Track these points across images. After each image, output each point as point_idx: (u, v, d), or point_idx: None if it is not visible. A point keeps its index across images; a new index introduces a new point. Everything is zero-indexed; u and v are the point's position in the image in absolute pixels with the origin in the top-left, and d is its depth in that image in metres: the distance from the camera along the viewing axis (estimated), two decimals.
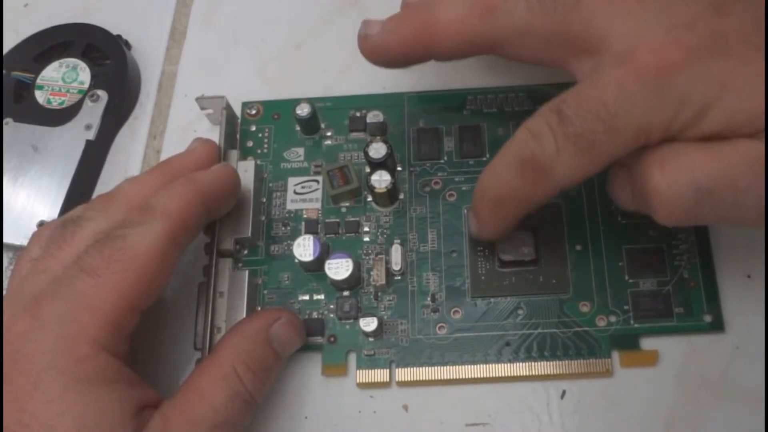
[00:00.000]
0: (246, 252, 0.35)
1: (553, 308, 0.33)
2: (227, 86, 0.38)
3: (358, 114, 0.37)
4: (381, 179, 0.34)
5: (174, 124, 0.40)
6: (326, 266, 0.32)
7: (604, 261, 0.33)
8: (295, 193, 0.36)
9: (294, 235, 0.34)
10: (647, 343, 0.32)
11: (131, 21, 0.43)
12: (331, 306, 0.33)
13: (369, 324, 0.32)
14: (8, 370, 0.26)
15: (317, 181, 0.36)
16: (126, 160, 0.39)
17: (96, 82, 0.40)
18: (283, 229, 0.35)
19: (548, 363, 0.32)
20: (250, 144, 0.37)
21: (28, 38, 0.42)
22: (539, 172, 0.28)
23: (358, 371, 0.32)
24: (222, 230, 0.34)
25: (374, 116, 0.36)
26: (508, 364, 0.32)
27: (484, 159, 0.36)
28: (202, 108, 0.37)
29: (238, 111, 0.38)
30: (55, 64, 0.41)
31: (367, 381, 0.32)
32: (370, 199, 0.35)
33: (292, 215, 0.35)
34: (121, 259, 0.28)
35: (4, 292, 0.30)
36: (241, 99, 0.38)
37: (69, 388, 0.26)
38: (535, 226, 0.33)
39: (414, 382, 0.32)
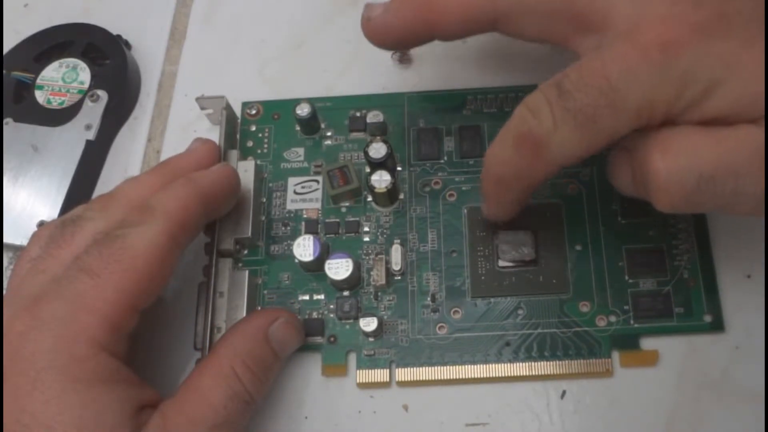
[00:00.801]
0: (246, 252, 0.36)
1: (553, 308, 0.34)
2: (227, 86, 0.39)
3: (358, 114, 0.38)
4: (381, 179, 0.35)
5: (174, 124, 0.41)
6: (326, 266, 0.34)
7: (604, 261, 0.34)
8: (295, 193, 0.37)
9: (294, 235, 0.36)
10: (647, 343, 0.33)
11: (131, 21, 0.44)
12: (331, 306, 0.34)
13: (369, 324, 0.33)
14: (7, 370, 0.27)
15: (317, 181, 0.37)
16: (126, 160, 0.40)
17: (96, 82, 0.41)
18: (283, 229, 0.36)
19: (548, 363, 0.33)
20: (250, 144, 0.38)
21: (28, 38, 0.43)
22: (536, 147, 0.28)
23: (358, 371, 0.33)
24: (222, 230, 0.35)
25: (374, 116, 0.37)
26: (508, 364, 0.33)
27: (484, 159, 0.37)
28: (202, 108, 0.38)
29: (238, 111, 0.39)
30: (55, 64, 0.42)
31: (367, 381, 0.33)
32: (370, 199, 0.36)
33: (292, 215, 0.36)
34: (120, 259, 0.28)
35: (4, 292, 0.31)
36: (241, 99, 0.39)
37: (68, 387, 0.27)
38: (535, 226, 0.34)
39: (414, 382, 0.33)
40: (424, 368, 0.33)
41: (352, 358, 0.34)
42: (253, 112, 0.39)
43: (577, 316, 0.33)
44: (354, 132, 0.38)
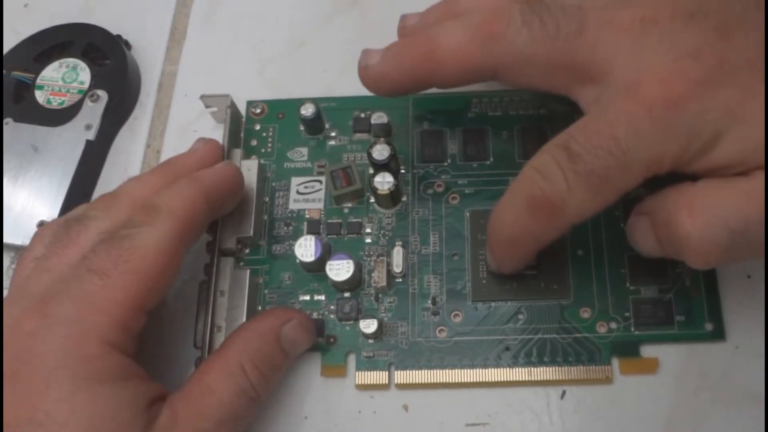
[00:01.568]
0: (248, 251, 0.37)
1: (554, 314, 0.35)
2: (227, 86, 0.40)
3: (362, 115, 0.40)
4: (384, 181, 0.36)
5: (174, 124, 0.43)
6: (327, 267, 0.35)
7: (606, 267, 0.36)
8: (298, 193, 0.38)
9: (296, 235, 0.37)
10: (647, 351, 0.34)
11: (131, 21, 0.46)
12: (332, 307, 0.36)
13: (369, 326, 0.34)
14: (18, 370, 0.28)
15: (320, 182, 0.38)
16: (126, 160, 0.42)
17: (96, 82, 0.43)
18: (285, 228, 0.38)
19: (548, 368, 0.34)
20: (253, 143, 0.40)
21: (28, 38, 0.44)
22: (551, 210, 0.29)
23: (357, 373, 0.35)
24: (224, 229, 0.36)
25: (378, 117, 0.38)
26: (508, 369, 0.34)
27: (488, 162, 0.38)
28: (207, 106, 0.40)
29: (240, 111, 0.40)
30: (55, 64, 0.43)
31: (366, 383, 0.35)
32: (372, 200, 0.37)
33: (294, 215, 0.38)
34: (129, 260, 0.30)
35: (5, 292, 0.32)
36: (241, 99, 0.41)
37: (81, 386, 0.28)
38: None
39: (413, 385, 0.34)
40: (423, 371, 0.35)
41: (352, 360, 0.35)
42: (258, 111, 0.41)
43: (577, 322, 0.35)
44: (358, 133, 0.40)
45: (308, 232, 0.37)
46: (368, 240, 0.37)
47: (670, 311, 0.35)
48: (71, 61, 0.44)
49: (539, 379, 0.34)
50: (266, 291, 0.37)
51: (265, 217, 0.38)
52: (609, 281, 0.35)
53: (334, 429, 0.35)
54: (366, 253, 0.37)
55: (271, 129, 0.40)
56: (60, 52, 0.44)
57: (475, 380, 0.34)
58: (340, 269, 0.35)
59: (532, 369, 0.34)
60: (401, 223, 0.37)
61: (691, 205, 0.28)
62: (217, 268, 0.35)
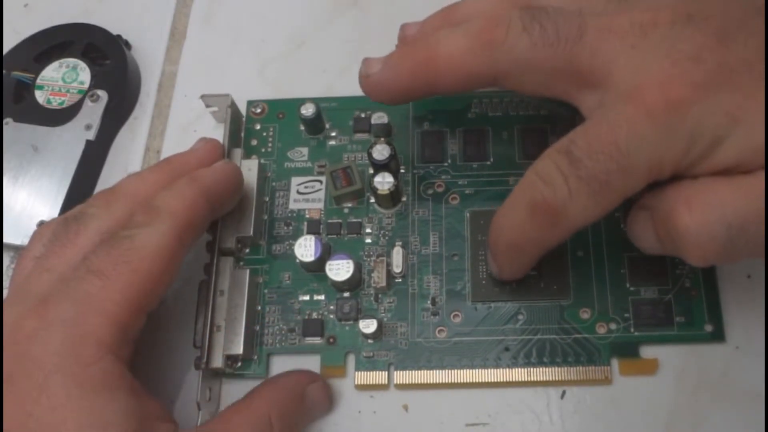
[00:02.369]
0: (247, 251, 0.38)
1: (554, 314, 0.36)
2: (227, 86, 0.41)
3: (362, 115, 0.40)
4: (384, 181, 0.37)
5: (174, 124, 0.43)
6: (327, 267, 0.36)
7: (606, 268, 0.36)
8: (298, 192, 0.39)
9: (296, 235, 0.38)
10: (647, 352, 0.35)
11: (131, 21, 0.46)
12: (331, 307, 0.37)
13: (368, 326, 0.35)
14: (14, 372, 0.28)
15: (320, 182, 0.39)
16: (126, 160, 0.43)
17: (96, 82, 0.43)
18: (285, 228, 0.38)
19: (547, 369, 0.35)
20: (254, 143, 0.40)
21: (28, 38, 0.45)
22: (553, 216, 0.29)
23: (356, 373, 0.35)
24: (224, 228, 0.37)
25: (379, 117, 0.39)
26: (507, 369, 0.35)
27: (488, 163, 0.39)
28: (207, 106, 0.40)
29: (241, 110, 0.41)
30: (55, 64, 0.44)
31: (365, 383, 0.35)
32: (372, 200, 0.38)
33: (294, 215, 0.39)
34: (129, 260, 0.30)
35: (5, 292, 0.33)
36: (241, 99, 0.41)
37: (73, 394, 0.28)
38: None
39: (412, 386, 0.35)
40: (422, 371, 0.35)
41: (351, 360, 0.36)
42: (258, 110, 0.41)
43: (577, 322, 0.35)
44: (358, 133, 0.40)
45: (308, 232, 0.38)
46: (368, 240, 0.38)
47: (670, 312, 0.35)
48: (71, 61, 0.44)
49: (538, 379, 0.35)
50: (266, 291, 0.37)
51: (265, 217, 0.39)
52: (609, 282, 0.36)
53: (334, 429, 0.35)
54: (366, 253, 0.38)
55: (271, 129, 0.41)
56: (60, 52, 0.45)
57: (474, 381, 0.35)
58: (339, 269, 0.36)
59: (532, 369, 0.35)
60: (401, 223, 0.38)
61: (690, 200, 0.28)
62: (217, 267, 0.36)
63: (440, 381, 0.35)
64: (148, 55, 0.46)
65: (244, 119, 0.41)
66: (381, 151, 0.37)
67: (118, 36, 0.45)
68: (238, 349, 0.35)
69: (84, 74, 0.44)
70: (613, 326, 0.35)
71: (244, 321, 0.35)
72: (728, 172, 0.28)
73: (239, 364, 0.36)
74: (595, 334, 0.35)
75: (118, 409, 0.28)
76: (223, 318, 0.35)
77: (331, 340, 0.36)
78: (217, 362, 0.35)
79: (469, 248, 0.37)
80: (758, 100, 0.27)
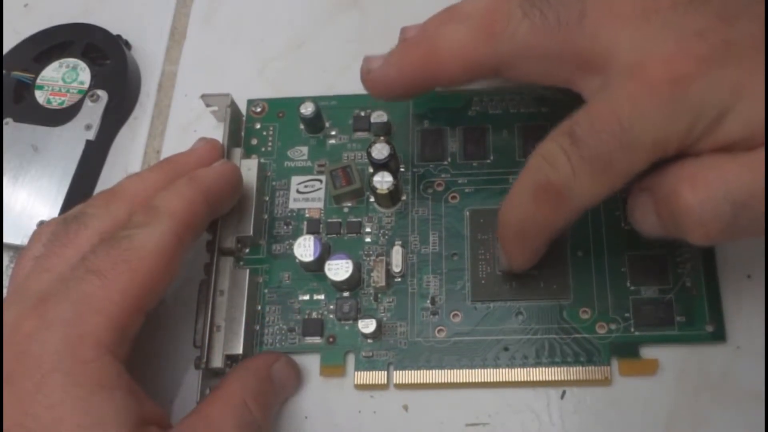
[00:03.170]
0: (247, 250, 0.38)
1: (553, 314, 0.36)
2: (227, 86, 0.41)
3: (362, 113, 0.41)
4: (383, 180, 0.37)
5: (174, 124, 0.44)
6: (326, 267, 0.36)
7: (606, 267, 0.36)
8: (298, 192, 0.39)
9: (296, 235, 0.38)
10: (647, 352, 0.35)
11: (131, 21, 0.47)
12: (331, 306, 0.37)
13: (368, 325, 0.35)
14: (13, 371, 0.29)
15: (320, 181, 0.39)
16: (126, 160, 0.43)
17: (96, 82, 0.44)
18: (285, 228, 0.39)
19: (547, 369, 0.35)
20: (254, 142, 0.41)
21: (28, 38, 0.46)
22: (557, 197, 0.29)
23: (356, 373, 0.36)
24: (224, 228, 0.37)
25: (378, 116, 0.39)
26: (507, 369, 0.35)
27: (488, 161, 0.39)
28: (207, 105, 0.41)
29: (240, 110, 0.41)
30: (55, 64, 0.45)
31: (365, 383, 0.36)
32: (372, 199, 0.38)
33: (294, 214, 0.39)
34: (128, 260, 0.30)
35: (5, 292, 0.33)
36: (241, 99, 0.41)
37: (70, 393, 0.28)
38: None
39: (412, 385, 0.35)
40: (422, 371, 0.35)
41: (351, 360, 0.36)
42: (258, 109, 0.42)
43: (577, 322, 0.35)
44: (358, 132, 0.41)
45: (308, 232, 0.38)
46: (368, 239, 0.38)
47: (671, 312, 0.35)
48: (71, 61, 0.45)
49: (538, 379, 0.35)
50: (266, 290, 0.38)
51: (265, 217, 0.39)
52: (609, 281, 0.36)
53: (334, 429, 0.36)
54: (365, 252, 0.38)
55: (271, 128, 0.41)
56: (60, 52, 0.45)
57: (474, 381, 0.35)
58: (338, 269, 0.36)
59: (531, 370, 0.35)
60: (401, 222, 0.38)
61: (693, 177, 0.28)
62: (217, 267, 0.36)
63: (440, 381, 0.35)
64: (148, 55, 0.46)
65: (244, 118, 0.42)
66: (380, 150, 0.37)
67: (118, 36, 0.46)
68: (238, 348, 0.35)
69: (84, 74, 0.44)
70: (613, 326, 0.35)
71: (244, 321, 0.36)
72: (732, 148, 0.28)
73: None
74: (595, 334, 0.35)
75: (115, 408, 0.29)
76: (222, 318, 0.36)
77: (331, 339, 0.37)
78: (217, 362, 0.35)
79: (468, 247, 0.38)
80: (762, 76, 0.27)
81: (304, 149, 0.41)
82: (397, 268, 0.37)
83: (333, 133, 0.41)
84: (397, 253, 0.37)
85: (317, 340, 0.37)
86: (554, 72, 0.32)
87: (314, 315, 0.37)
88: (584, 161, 0.28)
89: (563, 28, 0.30)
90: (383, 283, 0.37)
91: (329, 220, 0.39)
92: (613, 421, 0.34)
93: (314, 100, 0.40)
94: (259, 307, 0.37)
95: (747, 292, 0.36)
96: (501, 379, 0.35)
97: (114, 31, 0.46)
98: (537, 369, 0.35)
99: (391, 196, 0.38)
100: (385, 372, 0.36)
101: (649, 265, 0.36)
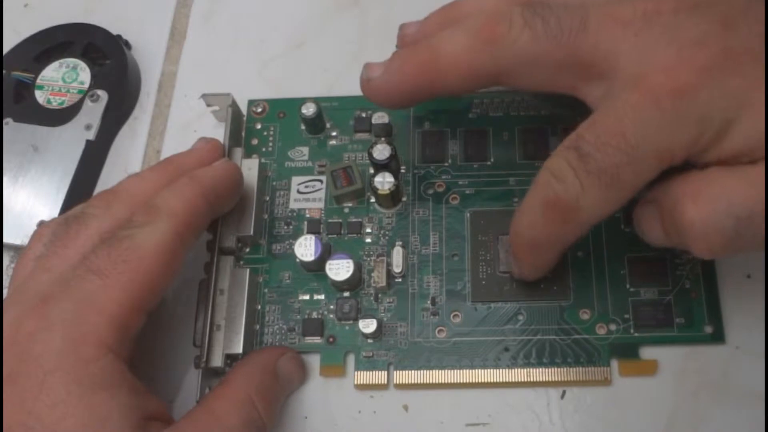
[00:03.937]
0: (248, 250, 0.39)
1: (553, 315, 0.36)
2: (227, 86, 0.41)
3: (363, 114, 0.41)
4: (384, 181, 0.37)
5: (174, 124, 0.44)
6: (327, 267, 0.36)
7: (606, 269, 0.37)
8: (299, 192, 0.40)
9: (296, 235, 0.38)
10: (647, 353, 0.36)
11: (131, 21, 0.47)
12: (331, 306, 0.37)
13: (368, 325, 0.36)
14: (15, 371, 0.29)
15: (321, 181, 0.40)
16: (126, 160, 0.44)
17: (96, 82, 0.44)
18: (286, 228, 0.39)
19: (547, 369, 0.35)
20: (254, 142, 0.41)
21: (28, 38, 0.46)
22: (567, 212, 0.30)
23: (356, 373, 0.36)
24: (224, 228, 0.37)
25: (379, 117, 0.40)
26: (507, 370, 0.35)
27: (489, 163, 0.39)
28: (208, 105, 0.41)
29: (241, 110, 0.42)
30: (55, 64, 0.45)
31: (365, 383, 0.36)
32: (373, 200, 0.39)
33: (294, 214, 0.39)
34: (128, 260, 0.31)
35: (5, 292, 0.33)
36: (241, 99, 0.42)
37: (73, 392, 0.28)
38: None
39: (412, 385, 0.36)
40: (422, 371, 0.36)
41: (351, 360, 0.37)
42: (259, 110, 0.42)
43: (577, 323, 0.36)
44: (359, 132, 0.41)
45: (308, 232, 0.39)
46: (368, 240, 0.39)
47: (670, 313, 0.36)
48: (71, 61, 0.45)
49: (538, 380, 0.35)
50: (266, 290, 0.38)
51: (266, 216, 0.40)
52: (609, 283, 0.37)
53: (334, 429, 0.36)
54: (366, 252, 0.38)
55: (272, 128, 0.42)
56: (60, 52, 0.46)
57: (474, 381, 0.35)
58: (339, 269, 0.36)
59: (531, 370, 0.35)
60: (401, 223, 0.39)
61: (696, 192, 0.28)
62: (217, 266, 0.37)
63: (440, 381, 0.36)
64: (148, 55, 0.47)
65: (244, 118, 0.42)
66: (381, 151, 0.38)
67: (118, 36, 0.46)
68: (238, 348, 0.36)
69: (84, 74, 0.45)
70: (612, 327, 0.36)
71: (244, 320, 0.36)
72: (737, 160, 0.28)
73: None
74: (595, 334, 0.36)
75: (118, 407, 0.29)
76: (223, 317, 0.36)
77: (331, 339, 0.37)
78: (217, 361, 0.35)
79: (469, 248, 0.38)
80: (763, 87, 0.27)
81: (305, 149, 0.41)
82: (397, 268, 0.37)
83: (334, 133, 0.41)
84: (397, 254, 0.38)
85: (317, 340, 0.37)
86: (556, 80, 0.32)
87: (314, 315, 0.37)
88: (591, 175, 0.29)
89: (565, 36, 0.30)
90: (384, 284, 0.37)
91: (330, 221, 0.39)
92: (613, 421, 0.35)
93: (315, 100, 0.40)
94: (259, 307, 0.38)
95: (746, 292, 0.36)
96: (501, 380, 0.36)
97: (114, 31, 0.46)
98: (537, 369, 0.35)
99: (392, 197, 0.38)
100: (385, 372, 0.36)
101: (648, 266, 0.37)
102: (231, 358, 0.36)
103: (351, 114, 0.41)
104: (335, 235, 0.39)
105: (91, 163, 0.43)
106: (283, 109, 0.42)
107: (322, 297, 0.38)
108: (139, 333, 0.32)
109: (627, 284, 0.37)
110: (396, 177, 0.38)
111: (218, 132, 0.40)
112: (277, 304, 0.38)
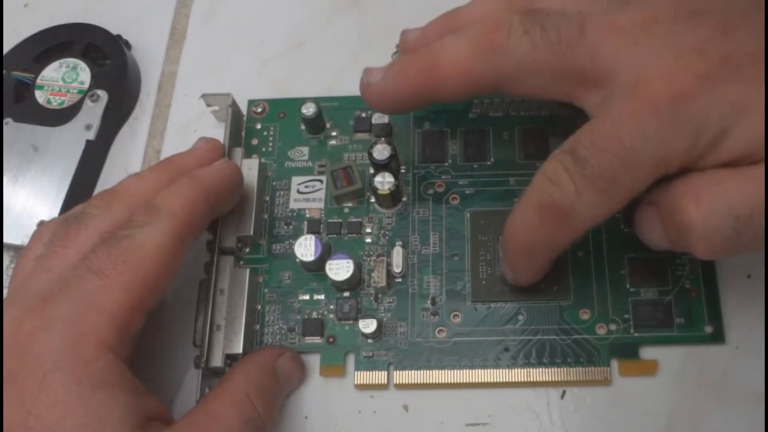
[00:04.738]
0: (248, 250, 0.39)
1: (553, 315, 0.36)
2: (227, 86, 0.42)
3: (363, 114, 0.41)
4: (384, 181, 0.37)
5: (174, 123, 0.44)
6: (327, 267, 0.36)
7: (606, 269, 0.37)
8: (299, 192, 0.40)
9: (296, 235, 0.38)
10: (647, 353, 0.36)
11: (131, 21, 0.47)
12: (331, 306, 0.37)
13: (368, 325, 0.36)
14: (15, 371, 0.29)
15: (321, 181, 0.40)
16: (126, 160, 0.44)
17: (96, 82, 0.44)
18: (286, 228, 0.39)
19: (546, 370, 0.35)
20: (254, 142, 0.41)
21: (28, 38, 0.46)
22: (561, 216, 0.30)
23: (356, 373, 0.36)
24: (224, 228, 0.38)
25: (380, 117, 0.40)
26: (507, 370, 0.36)
27: (489, 163, 0.39)
28: (208, 105, 0.41)
29: (241, 110, 0.42)
30: (55, 64, 0.45)
31: (365, 383, 0.36)
32: (373, 200, 0.39)
33: (294, 214, 0.40)
34: (128, 260, 0.31)
35: (5, 292, 0.34)
36: (241, 99, 0.42)
37: (72, 391, 0.28)
38: None
39: (412, 385, 0.36)
40: (422, 371, 0.36)
41: (351, 360, 0.37)
42: (259, 110, 0.42)
43: (577, 323, 0.36)
44: (359, 132, 0.41)
45: (308, 232, 0.39)
46: (368, 240, 0.39)
47: (670, 313, 0.36)
48: (71, 61, 0.45)
49: (538, 380, 0.35)
50: (266, 290, 0.38)
51: (266, 216, 0.40)
52: (609, 283, 0.37)
53: (334, 429, 0.36)
54: (366, 252, 0.38)
55: (272, 128, 0.42)
56: (60, 52, 0.46)
57: (474, 381, 0.36)
58: (339, 269, 0.36)
59: (531, 370, 0.36)
60: (401, 223, 0.39)
61: (697, 193, 0.28)
62: (217, 266, 0.37)
63: (440, 381, 0.36)
64: (148, 55, 0.47)
65: (244, 118, 0.42)
66: (381, 151, 0.38)
67: (118, 36, 0.46)
68: (238, 348, 0.36)
69: (84, 74, 0.45)
70: (612, 327, 0.36)
71: (244, 320, 0.36)
72: (736, 164, 0.28)
73: None
74: (595, 334, 0.36)
75: (117, 407, 0.29)
76: (222, 317, 0.36)
77: (331, 339, 0.37)
78: (217, 361, 0.35)
79: (469, 248, 0.38)
80: (762, 91, 0.28)
81: (305, 150, 0.41)
82: (397, 268, 0.38)
83: (334, 133, 0.41)
84: (397, 254, 0.38)
85: (317, 340, 0.37)
86: (555, 87, 0.32)
87: (314, 315, 0.38)
88: (587, 180, 0.29)
89: (564, 43, 0.30)
90: (384, 284, 0.37)
91: (330, 221, 0.39)
92: (613, 421, 0.35)
93: (315, 100, 0.40)
94: (259, 307, 0.38)
95: (746, 291, 0.37)
96: (501, 380, 0.36)
97: (114, 31, 0.46)
98: (537, 369, 0.36)
99: (392, 197, 0.38)
100: (385, 372, 0.36)
101: (648, 266, 0.37)
102: (231, 358, 0.36)
103: (351, 114, 0.42)
104: (335, 235, 0.39)
105: (91, 163, 0.43)
106: (283, 109, 0.42)
107: (322, 297, 0.38)
108: (139, 333, 0.32)
109: (627, 284, 0.37)
110: (396, 177, 0.38)
111: (218, 132, 0.40)
112: (277, 304, 0.38)
